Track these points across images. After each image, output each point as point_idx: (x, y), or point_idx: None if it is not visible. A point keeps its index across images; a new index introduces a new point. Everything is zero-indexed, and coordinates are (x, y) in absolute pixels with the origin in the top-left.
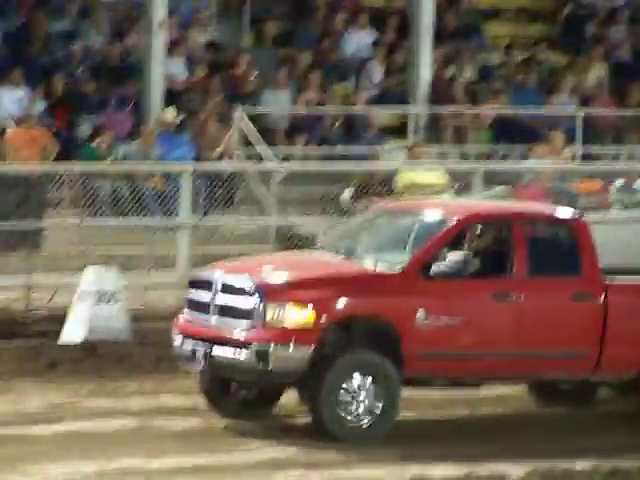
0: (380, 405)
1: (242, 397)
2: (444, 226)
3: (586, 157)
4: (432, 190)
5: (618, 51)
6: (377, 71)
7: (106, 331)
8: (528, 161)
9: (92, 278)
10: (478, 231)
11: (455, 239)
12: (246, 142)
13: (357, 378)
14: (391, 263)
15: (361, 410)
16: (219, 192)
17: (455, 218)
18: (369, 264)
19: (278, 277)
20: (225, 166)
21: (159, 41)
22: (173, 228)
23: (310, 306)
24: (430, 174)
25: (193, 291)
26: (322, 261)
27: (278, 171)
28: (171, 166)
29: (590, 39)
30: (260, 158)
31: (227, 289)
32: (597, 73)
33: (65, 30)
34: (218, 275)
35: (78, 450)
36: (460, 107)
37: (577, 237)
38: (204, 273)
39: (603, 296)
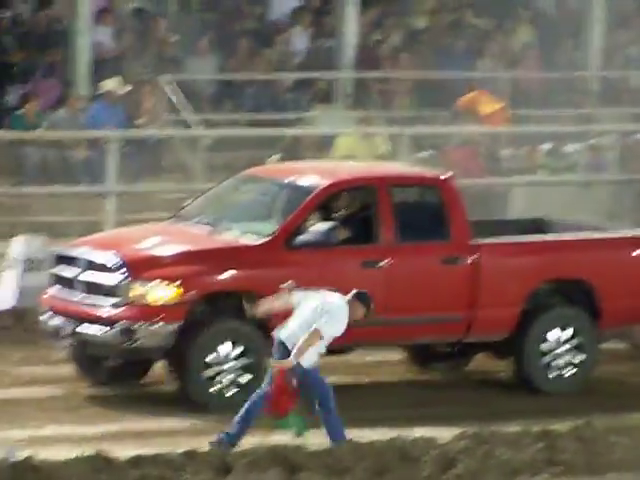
0: (248, 375)
1: (111, 367)
2: (309, 194)
3: (514, 120)
4: (370, 157)
5: (545, 14)
6: (303, 37)
7: (35, 299)
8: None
9: (21, 246)
10: (344, 197)
11: (321, 207)
12: (172, 109)
13: (224, 349)
14: (257, 234)
15: (228, 380)
16: (146, 159)
17: (319, 185)
18: (234, 236)
19: (143, 253)
20: (152, 133)
21: (85, 9)
22: (101, 195)
23: (175, 282)
24: (370, 141)
25: (60, 267)
26: (188, 234)
27: (204, 137)
28: (98, 133)
29: (517, 3)
30: (186, 125)
31: (92, 266)
32: (524, 37)
33: None
34: (83, 251)
35: (8, 417)
36: (386, 72)
37: (445, 200)
38: (70, 249)
39: (473, 258)
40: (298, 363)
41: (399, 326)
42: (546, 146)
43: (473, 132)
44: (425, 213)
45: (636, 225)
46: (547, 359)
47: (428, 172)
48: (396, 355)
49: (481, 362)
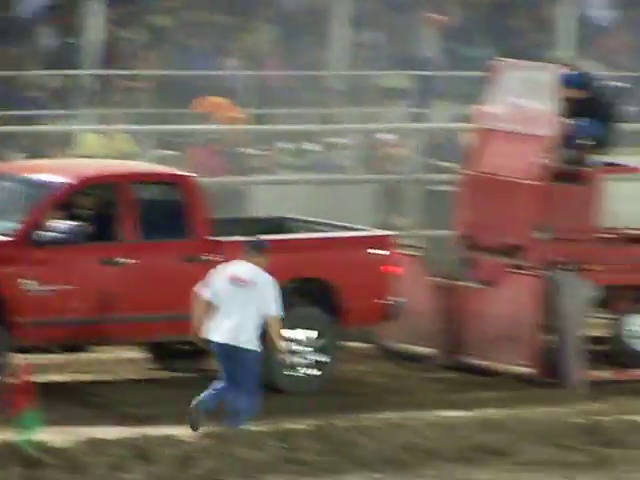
0: None
1: None
2: (52, 191)
3: (257, 119)
4: (111, 155)
5: (289, 13)
6: (49, 34)
7: None
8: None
9: None
10: (87, 194)
11: (64, 204)
12: None
13: None
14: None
15: None
16: None
17: (62, 182)
18: None
19: None
20: None
21: None
22: None
23: None
24: (113, 139)
25: None
26: None
27: None
28: None
29: (260, 1)
30: None
31: None
32: (267, 35)
33: None
34: None
35: None
36: (131, 70)
37: (187, 198)
38: None
39: (214, 256)
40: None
41: (140, 324)
42: (289, 145)
43: (215, 131)
44: (167, 211)
45: (376, 225)
46: (290, 359)
47: (170, 170)
48: (138, 353)
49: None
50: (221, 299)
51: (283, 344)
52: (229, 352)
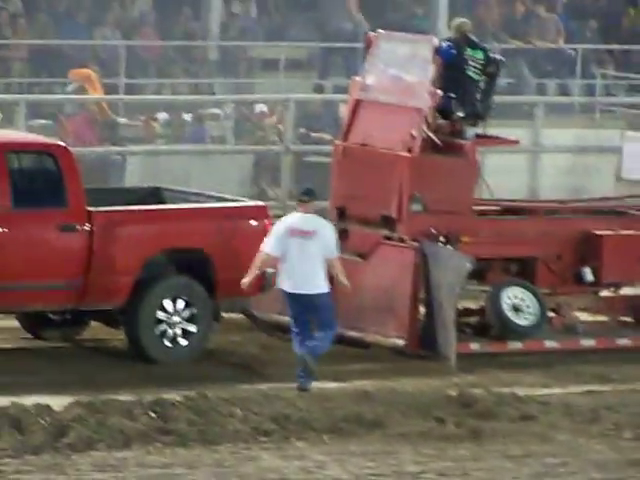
0: None
1: None
2: None
3: (130, 89)
4: None
5: None
6: None
7: None
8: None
9: None
10: None
11: None
12: None
13: None
14: None
15: None
16: None
17: None
18: None
19: None
20: None
21: None
22: None
23: None
24: None
25: None
26: None
27: None
28: None
29: None
30: None
31: None
32: (141, 5)
33: None
34: None
35: None
36: (3, 39)
37: (61, 167)
38: None
39: (88, 226)
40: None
41: (11, 292)
42: (162, 115)
43: (88, 100)
44: (41, 180)
45: (250, 196)
46: (160, 328)
47: (44, 139)
48: (10, 322)
49: (95, 331)
50: (287, 252)
51: (345, 280)
52: (304, 300)
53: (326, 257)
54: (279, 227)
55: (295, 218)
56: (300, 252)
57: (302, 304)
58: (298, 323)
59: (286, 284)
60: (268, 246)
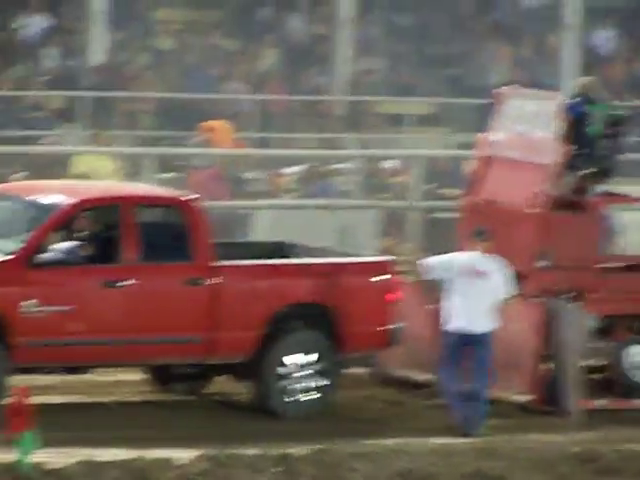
0: None
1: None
2: (52, 212)
3: (262, 143)
4: (107, 176)
5: (292, 39)
6: (50, 56)
7: None
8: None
9: None
10: (88, 216)
11: (64, 225)
12: None
13: None
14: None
15: None
16: None
17: (63, 203)
18: None
19: None
20: None
21: None
22: None
23: None
24: (107, 160)
25: None
26: None
27: None
28: None
29: (263, 25)
30: None
31: None
32: (270, 60)
33: None
34: None
35: None
36: (131, 92)
37: (189, 221)
38: None
39: (214, 280)
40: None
41: (140, 346)
42: (290, 170)
43: (217, 154)
44: (169, 234)
45: (377, 251)
46: (286, 382)
47: (172, 193)
48: (136, 375)
49: (222, 385)
50: (456, 288)
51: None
52: (465, 339)
53: (497, 298)
54: (453, 261)
55: (468, 255)
56: (468, 290)
57: (463, 343)
58: (450, 362)
59: (450, 322)
60: (434, 270)
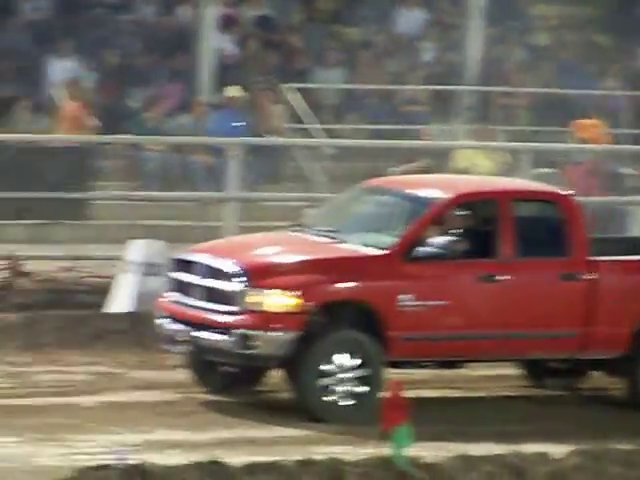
0: (364, 386)
1: (227, 374)
2: (429, 206)
3: (635, 139)
4: (489, 172)
5: None
6: (428, 50)
7: (152, 303)
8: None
9: (139, 250)
10: (464, 211)
11: (441, 220)
12: (295, 118)
13: (341, 359)
14: (376, 245)
15: (343, 391)
16: (267, 167)
17: (441, 198)
18: (353, 246)
19: (263, 261)
20: (274, 141)
21: (210, 15)
22: (221, 201)
23: (294, 291)
24: (490, 156)
25: (178, 272)
26: (306, 243)
27: (326, 147)
28: (220, 139)
29: (639, 22)
30: (308, 134)
31: (212, 272)
32: None
33: (115, 2)
34: (203, 257)
35: (122, 421)
36: (509, 87)
37: (566, 216)
38: (189, 254)
39: (591, 275)
40: None
41: (514, 341)
42: None
43: (592, 150)
44: (545, 229)
45: None
46: None
47: (549, 188)
48: (509, 370)
49: (595, 380)
50: None
51: None
52: None
53: None
54: None
55: None
56: None
57: None
58: None
59: None
60: None
